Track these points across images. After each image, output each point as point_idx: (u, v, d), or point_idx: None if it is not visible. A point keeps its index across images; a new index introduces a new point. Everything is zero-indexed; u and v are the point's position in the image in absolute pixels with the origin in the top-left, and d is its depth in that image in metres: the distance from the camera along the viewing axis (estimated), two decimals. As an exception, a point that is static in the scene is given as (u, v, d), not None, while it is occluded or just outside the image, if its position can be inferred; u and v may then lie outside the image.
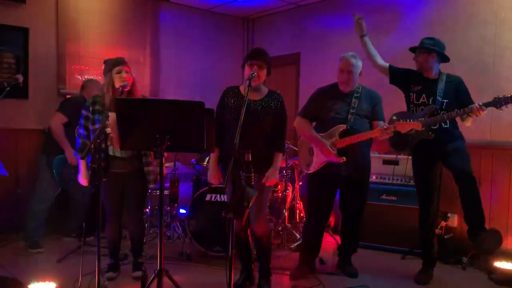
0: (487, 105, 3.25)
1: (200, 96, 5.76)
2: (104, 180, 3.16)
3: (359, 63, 3.43)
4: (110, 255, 3.53)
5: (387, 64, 3.73)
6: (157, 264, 2.63)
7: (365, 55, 3.73)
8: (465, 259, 3.90)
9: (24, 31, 4.75)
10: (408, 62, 4.72)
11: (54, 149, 4.08)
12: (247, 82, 2.90)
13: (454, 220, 4.21)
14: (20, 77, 3.85)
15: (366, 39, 3.77)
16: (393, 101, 3.79)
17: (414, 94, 3.57)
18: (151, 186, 3.38)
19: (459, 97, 3.45)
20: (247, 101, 2.77)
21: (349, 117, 3.39)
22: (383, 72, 3.72)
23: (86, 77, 5.26)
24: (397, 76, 3.69)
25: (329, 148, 3.35)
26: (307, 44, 5.88)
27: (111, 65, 3.29)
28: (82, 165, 3.28)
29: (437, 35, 4.45)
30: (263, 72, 3.09)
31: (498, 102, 3.23)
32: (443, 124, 3.43)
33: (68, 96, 4.72)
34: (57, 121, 4.10)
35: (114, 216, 3.43)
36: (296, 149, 4.00)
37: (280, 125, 3.18)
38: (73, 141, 4.07)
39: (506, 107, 3.24)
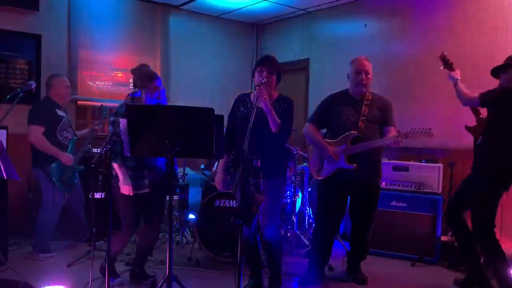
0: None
1: (210, 102, 5.81)
2: (146, 191, 3.19)
3: (371, 66, 3.45)
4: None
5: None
6: (166, 269, 2.64)
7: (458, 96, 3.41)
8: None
9: (37, 38, 4.84)
10: (417, 67, 4.73)
11: (46, 159, 3.97)
12: (256, 89, 2.92)
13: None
14: (32, 83, 3.89)
15: (458, 84, 3.42)
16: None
17: None
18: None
19: None
20: (256, 108, 2.79)
21: (360, 123, 3.38)
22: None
23: (97, 83, 5.33)
24: None
25: (331, 154, 3.36)
26: (317, 50, 5.89)
27: (146, 77, 3.30)
28: (121, 172, 3.14)
29: (447, 40, 4.45)
30: (273, 78, 3.10)
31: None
32: None
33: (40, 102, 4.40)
34: (37, 135, 3.95)
35: (129, 229, 3.34)
36: (306, 155, 4.00)
37: (282, 119, 3.05)
38: (58, 146, 4.00)
39: None
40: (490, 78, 3.72)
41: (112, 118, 3.21)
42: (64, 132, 4.12)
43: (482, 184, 3.27)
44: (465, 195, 3.43)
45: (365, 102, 3.43)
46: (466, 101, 3.36)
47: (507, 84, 3.22)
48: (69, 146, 4.11)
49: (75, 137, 4.22)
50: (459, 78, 3.42)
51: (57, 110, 4.12)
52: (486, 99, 3.22)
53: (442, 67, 3.53)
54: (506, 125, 3.20)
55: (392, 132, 3.39)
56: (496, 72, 3.32)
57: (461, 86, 3.38)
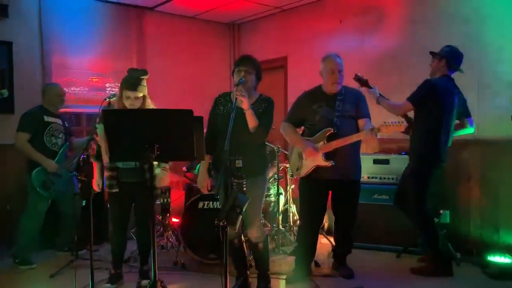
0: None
1: (189, 104, 5.74)
2: (115, 191, 3.23)
3: (343, 62, 3.48)
4: (113, 265, 3.52)
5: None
6: (151, 275, 2.61)
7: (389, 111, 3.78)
8: (459, 255, 3.93)
9: (8, 45, 4.72)
10: (393, 61, 4.78)
11: (34, 165, 3.99)
12: (235, 88, 2.90)
13: (447, 217, 4.23)
14: (5, 92, 3.81)
15: (381, 99, 3.79)
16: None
17: None
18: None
19: None
20: (236, 108, 2.77)
21: (335, 120, 3.40)
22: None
23: (73, 89, 5.23)
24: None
25: (313, 148, 3.36)
26: (294, 47, 5.90)
27: (125, 85, 3.28)
28: (96, 168, 3.29)
29: (422, 33, 4.51)
30: (251, 77, 3.09)
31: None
32: None
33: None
34: (22, 141, 3.99)
35: (120, 227, 3.45)
36: (287, 153, 4.00)
37: (261, 119, 3.04)
38: (43, 152, 4.01)
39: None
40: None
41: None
42: (53, 138, 4.12)
43: (414, 166, 3.72)
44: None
45: (339, 97, 3.44)
46: (400, 110, 3.72)
47: (433, 70, 3.75)
48: (59, 153, 4.09)
49: (67, 144, 4.21)
50: (378, 94, 3.78)
51: (45, 116, 4.14)
52: (418, 100, 3.61)
53: (359, 87, 3.76)
54: (429, 116, 3.62)
55: (367, 124, 3.40)
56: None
57: (385, 100, 3.77)
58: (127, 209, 3.47)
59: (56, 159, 4.06)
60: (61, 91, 4.30)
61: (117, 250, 3.52)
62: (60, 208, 4.30)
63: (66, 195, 4.21)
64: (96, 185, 3.37)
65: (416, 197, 3.69)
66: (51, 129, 4.12)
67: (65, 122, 4.32)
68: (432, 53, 3.78)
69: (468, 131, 3.84)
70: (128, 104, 3.28)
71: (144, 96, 3.34)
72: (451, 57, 3.69)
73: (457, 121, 3.77)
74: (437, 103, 3.59)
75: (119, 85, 3.37)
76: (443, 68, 3.69)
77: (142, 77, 3.33)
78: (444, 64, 3.69)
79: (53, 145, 4.11)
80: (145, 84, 3.36)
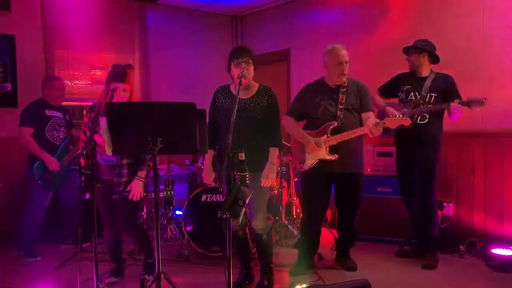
0: (462, 103, 3.46)
1: (192, 96, 5.76)
2: (98, 185, 3.16)
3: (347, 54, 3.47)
4: (112, 260, 3.52)
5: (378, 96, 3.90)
6: (155, 267, 2.62)
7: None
8: (462, 247, 3.93)
9: (10, 39, 4.71)
10: (395, 55, 4.75)
11: (35, 159, 4.01)
12: (238, 81, 2.88)
13: (450, 209, 4.23)
14: (8, 86, 3.82)
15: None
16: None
17: (403, 93, 3.76)
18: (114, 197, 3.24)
19: (446, 91, 3.62)
20: (238, 100, 2.77)
21: (338, 113, 3.38)
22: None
23: (76, 82, 5.24)
24: (388, 90, 3.93)
25: (315, 144, 3.36)
26: (297, 40, 5.87)
27: (111, 78, 3.23)
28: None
29: (424, 26, 4.48)
30: (251, 68, 3.08)
31: (471, 103, 3.45)
32: (419, 119, 3.61)
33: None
34: (25, 136, 4.01)
35: (108, 222, 3.39)
36: (290, 145, 4.01)
37: (273, 120, 3.14)
38: (46, 145, 4.02)
39: (478, 108, 3.46)
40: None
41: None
42: (55, 131, 4.15)
43: (431, 155, 3.68)
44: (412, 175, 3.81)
45: (342, 90, 3.42)
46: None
47: (413, 65, 3.73)
48: (61, 147, 4.11)
49: (69, 137, 4.24)
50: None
51: (46, 110, 4.16)
52: None
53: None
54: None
55: (371, 118, 3.39)
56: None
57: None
58: (111, 204, 3.32)
59: (57, 153, 4.06)
60: (61, 85, 4.29)
61: (111, 247, 3.48)
62: (62, 202, 4.31)
63: (68, 189, 4.22)
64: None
65: (433, 188, 3.71)
66: (53, 123, 4.14)
67: (66, 115, 4.33)
68: (408, 48, 3.76)
69: None
70: (117, 98, 3.15)
71: (131, 90, 3.28)
72: (432, 49, 3.67)
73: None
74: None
75: (106, 79, 3.29)
76: (426, 61, 3.69)
77: (128, 70, 3.32)
78: (426, 57, 3.67)
79: (54, 139, 4.13)
80: (131, 78, 3.34)
